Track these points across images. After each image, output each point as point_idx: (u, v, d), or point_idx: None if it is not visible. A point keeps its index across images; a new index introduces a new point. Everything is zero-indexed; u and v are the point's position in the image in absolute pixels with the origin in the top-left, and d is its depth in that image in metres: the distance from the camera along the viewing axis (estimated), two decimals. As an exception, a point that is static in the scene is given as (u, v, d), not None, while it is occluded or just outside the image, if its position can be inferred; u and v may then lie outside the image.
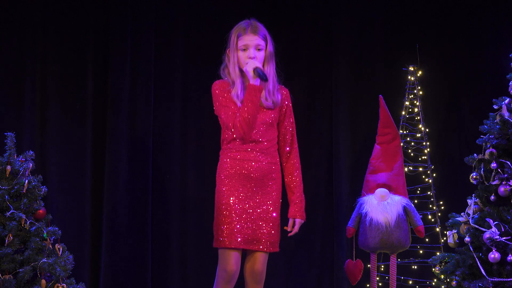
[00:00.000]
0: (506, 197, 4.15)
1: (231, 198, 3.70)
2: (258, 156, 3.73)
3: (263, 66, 3.74)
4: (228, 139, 3.76)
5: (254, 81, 3.65)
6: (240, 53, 3.73)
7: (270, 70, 3.77)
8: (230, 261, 3.66)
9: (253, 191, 3.72)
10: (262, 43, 3.73)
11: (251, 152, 3.73)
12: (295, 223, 3.81)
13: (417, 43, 5.16)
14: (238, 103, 3.70)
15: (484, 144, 4.30)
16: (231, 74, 3.76)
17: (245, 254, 3.80)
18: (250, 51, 3.71)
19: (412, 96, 5.11)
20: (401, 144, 4.83)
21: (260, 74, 3.64)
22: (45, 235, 3.87)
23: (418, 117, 5.07)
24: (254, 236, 3.69)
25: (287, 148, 3.86)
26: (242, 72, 3.73)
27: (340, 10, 5.29)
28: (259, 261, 3.74)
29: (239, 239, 3.66)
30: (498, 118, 4.27)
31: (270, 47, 3.77)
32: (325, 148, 5.27)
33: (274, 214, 3.75)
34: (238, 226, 3.66)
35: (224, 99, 3.72)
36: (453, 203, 4.91)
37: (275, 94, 3.79)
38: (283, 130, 3.85)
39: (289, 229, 3.82)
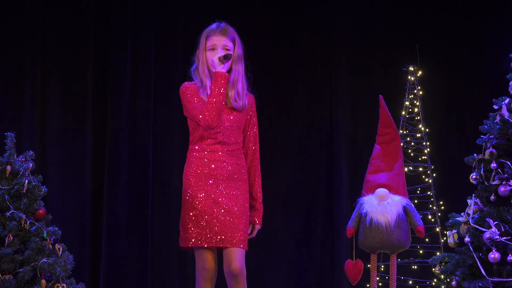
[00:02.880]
0: (506, 197, 4.15)
1: (198, 197, 3.75)
2: (224, 157, 3.79)
3: (230, 66, 3.80)
4: (196, 140, 3.82)
5: (220, 68, 3.73)
6: (208, 53, 3.80)
7: (239, 72, 3.83)
8: (206, 258, 3.74)
9: (219, 191, 3.76)
10: (230, 44, 3.80)
11: (217, 153, 3.78)
12: (254, 229, 3.91)
13: (417, 43, 5.16)
14: (206, 100, 3.75)
15: (484, 144, 4.30)
16: (200, 74, 3.83)
17: (221, 256, 3.81)
18: (217, 51, 3.78)
19: (412, 96, 5.11)
20: (401, 144, 4.83)
21: (225, 55, 3.72)
22: (45, 235, 3.87)
23: (418, 117, 5.07)
24: (224, 234, 3.72)
25: (250, 155, 3.92)
26: (210, 73, 3.79)
27: (341, 10, 5.29)
28: (235, 258, 3.73)
29: (209, 237, 3.71)
30: (498, 118, 4.27)
31: (238, 50, 3.83)
32: (325, 148, 5.28)
33: (242, 214, 3.78)
34: (206, 224, 3.71)
35: (192, 96, 3.78)
36: (453, 203, 4.91)
37: (244, 97, 3.85)
38: (247, 137, 3.91)
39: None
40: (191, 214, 3.75)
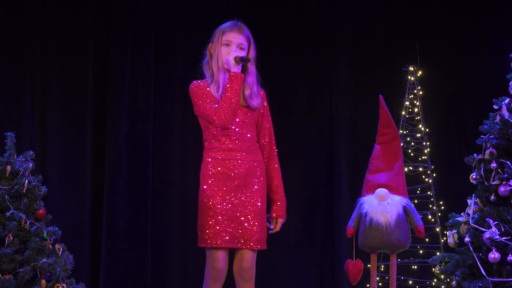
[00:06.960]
0: (506, 197, 4.15)
1: (215, 198, 3.74)
2: (240, 155, 3.78)
3: (246, 66, 3.80)
4: (210, 139, 3.81)
5: (235, 69, 3.72)
6: (223, 48, 3.79)
7: (254, 73, 3.85)
8: (217, 259, 3.72)
9: (237, 190, 3.76)
10: (245, 43, 3.81)
11: (233, 151, 3.78)
12: (278, 222, 3.90)
13: (417, 43, 5.16)
14: (217, 96, 3.75)
15: (484, 144, 4.30)
16: (212, 68, 3.82)
17: (233, 254, 3.82)
18: (232, 47, 3.78)
19: (412, 96, 5.11)
20: (401, 144, 4.83)
21: (243, 58, 3.72)
22: (45, 235, 3.87)
23: (418, 117, 5.08)
24: (240, 234, 3.73)
25: (266, 150, 3.92)
26: (224, 66, 3.78)
27: (341, 10, 5.30)
28: (247, 259, 3.75)
29: (225, 238, 3.70)
30: (498, 118, 4.27)
31: (252, 52, 3.85)
32: (325, 148, 5.28)
33: (260, 213, 3.78)
34: (223, 225, 3.71)
35: (204, 96, 3.78)
36: (453, 203, 4.91)
37: (258, 97, 3.87)
38: (262, 132, 3.92)
39: (272, 227, 3.90)
40: (207, 215, 3.74)
